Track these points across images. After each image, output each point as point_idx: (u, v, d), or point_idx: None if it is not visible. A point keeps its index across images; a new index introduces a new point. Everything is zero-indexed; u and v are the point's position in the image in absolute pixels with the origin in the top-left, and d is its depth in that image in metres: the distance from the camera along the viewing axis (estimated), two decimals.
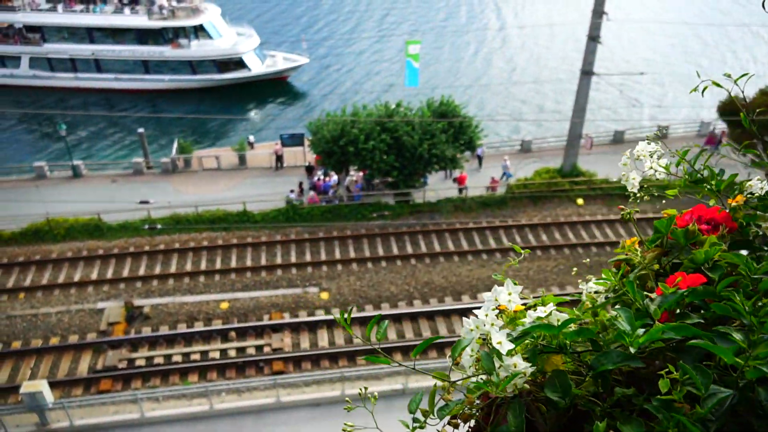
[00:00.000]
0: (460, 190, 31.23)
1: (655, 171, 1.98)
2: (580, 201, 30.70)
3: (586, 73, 29.63)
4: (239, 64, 46.90)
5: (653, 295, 1.58)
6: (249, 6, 69.04)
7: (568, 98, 46.98)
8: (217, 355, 22.71)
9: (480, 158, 33.33)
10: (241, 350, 22.98)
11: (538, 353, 1.46)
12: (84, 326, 23.63)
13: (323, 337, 23.49)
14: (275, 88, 49.03)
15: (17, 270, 26.21)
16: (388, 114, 29.28)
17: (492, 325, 1.46)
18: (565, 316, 1.50)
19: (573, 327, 1.50)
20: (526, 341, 1.46)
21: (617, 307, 1.56)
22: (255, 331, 23.62)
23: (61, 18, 46.06)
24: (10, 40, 46.29)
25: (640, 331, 1.42)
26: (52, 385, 20.40)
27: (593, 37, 28.78)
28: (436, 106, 30.37)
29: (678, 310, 1.56)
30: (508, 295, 1.51)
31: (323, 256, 27.16)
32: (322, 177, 31.48)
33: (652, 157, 1.97)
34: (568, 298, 1.70)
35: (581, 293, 1.86)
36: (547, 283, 25.88)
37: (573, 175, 31.93)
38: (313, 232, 28.54)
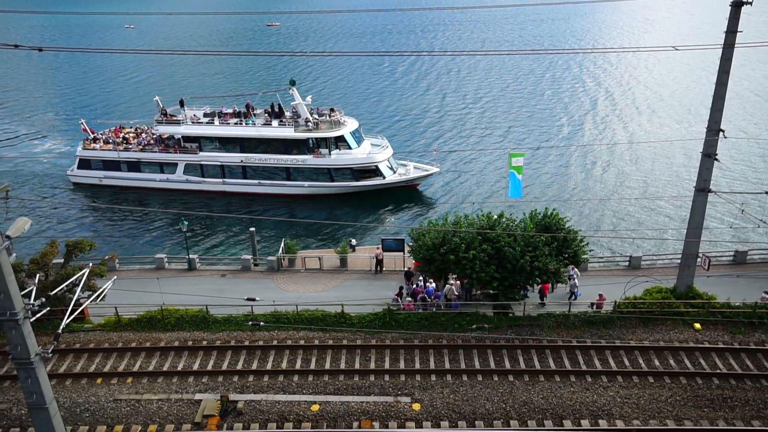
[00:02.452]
0: (542, 303, 30.41)
1: None
2: (697, 326, 28.26)
3: (701, 190, 28.33)
4: (374, 172, 49.96)
5: None
6: (385, 119, 75.35)
7: (680, 215, 44.84)
8: None
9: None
10: None
11: None
12: (181, 416, 24.18)
13: None
14: (406, 194, 51.43)
15: (129, 355, 27.73)
16: (490, 224, 29.22)
17: None
18: None
19: None
20: None
21: None
22: None
23: (217, 130, 52.02)
24: (171, 149, 52.68)
25: None
26: None
27: (708, 154, 27.75)
28: (539, 218, 29.98)
29: None
30: None
31: (417, 365, 26.51)
32: (422, 283, 31.49)
33: None
34: None
35: None
36: (661, 415, 23.45)
37: (688, 296, 29.68)
38: (408, 339, 28.14)
